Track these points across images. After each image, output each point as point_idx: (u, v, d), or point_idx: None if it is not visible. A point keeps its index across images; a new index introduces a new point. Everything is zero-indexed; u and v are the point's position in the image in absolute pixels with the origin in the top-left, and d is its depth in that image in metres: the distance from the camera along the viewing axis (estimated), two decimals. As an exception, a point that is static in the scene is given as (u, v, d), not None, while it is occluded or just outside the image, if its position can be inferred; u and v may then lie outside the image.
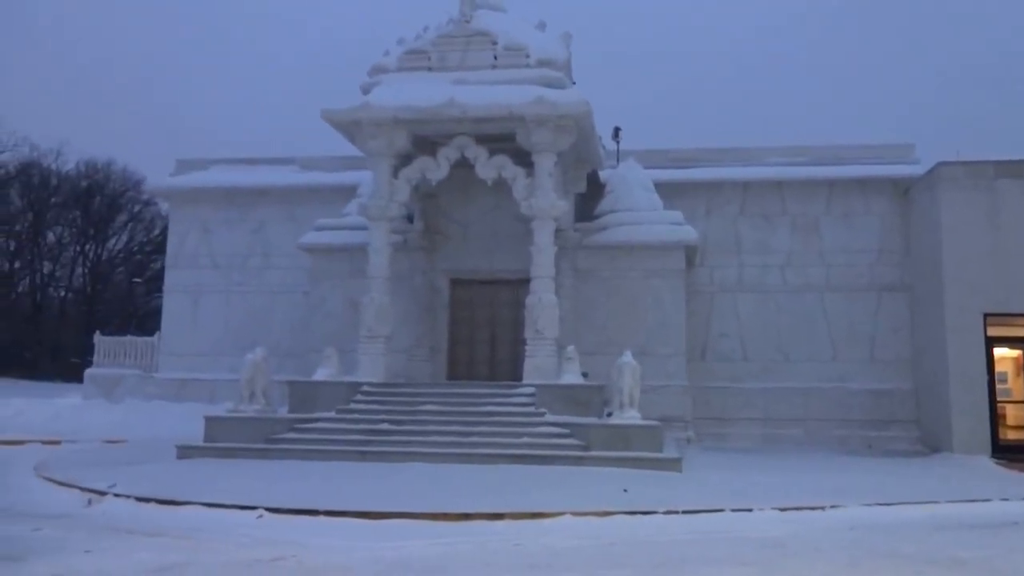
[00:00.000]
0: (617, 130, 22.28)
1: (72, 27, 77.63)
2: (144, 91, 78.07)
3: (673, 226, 19.40)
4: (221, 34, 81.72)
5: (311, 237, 20.62)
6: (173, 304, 23.92)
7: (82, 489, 10.88)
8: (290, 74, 76.56)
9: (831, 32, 75.53)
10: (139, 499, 10.18)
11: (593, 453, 13.75)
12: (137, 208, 52.84)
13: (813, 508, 10.48)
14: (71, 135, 67.07)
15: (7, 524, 9.00)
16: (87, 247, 51.76)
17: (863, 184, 21.17)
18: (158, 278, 53.21)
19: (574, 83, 18.00)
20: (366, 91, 17.14)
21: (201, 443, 14.74)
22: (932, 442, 18.87)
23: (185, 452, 14.36)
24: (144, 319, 49.99)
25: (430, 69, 17.28)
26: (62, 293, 51.72)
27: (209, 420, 15.11)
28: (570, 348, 15.86)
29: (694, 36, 75.55)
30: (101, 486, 10.77)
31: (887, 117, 58.42)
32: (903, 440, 19.74)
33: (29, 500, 10.59)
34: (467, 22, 17.40)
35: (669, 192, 20.92)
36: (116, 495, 10.41)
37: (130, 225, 53.25)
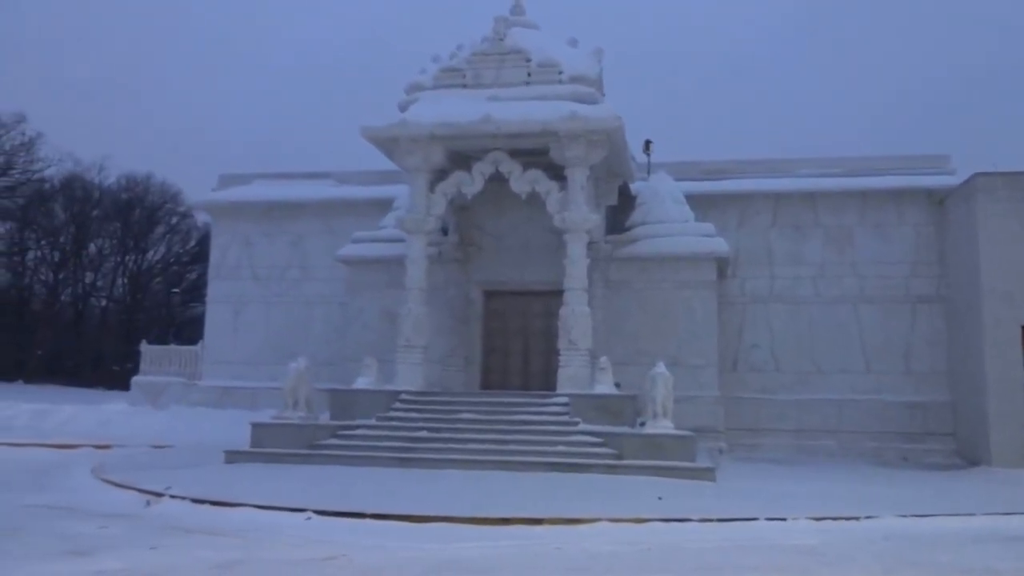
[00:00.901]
0: (648, 143, 22.63)
1: (114, 47, 79.55)
2: (184, 107, 79.84)
3: (704, 238, 19.69)
4: (256, 53, 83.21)
5: (348, 249, 21.21)
6: (216, 314, 24.70)
7: (139, 491, 11.45)
8: (325, 88, 77.98)
9: (834, 33, 75.34)
10: (194, 500, 10.71)
11: (627, 462, 14.07)
12: (175, 220, 54.11)
13: (848, 518, 10.60)
14: (113, 149, 68.90)
15: (76, 522, 9.57)
16: (127, 258, 53.03)
17: (897, 195, 21.31)
18: (194, 288, 54.65)
19: (604, 97, 18.43)
20: (403, 108, 17.67)
21: (247, 448, 15.31)
22: (969, 455, 18.90)
23: (233, 457, 14.94)
24: (181, 327, 51.17)
25: (465, 86, 17.79)
26: (103, 303, 53.00)
27: (255, 426, 15.68)
28: (603, 359, 16.22)
29: (693, 36, 75.61)
30: (158, 488, 11.33)
31: (910, 126, 58.01)
32: (939, 453, 19.76)
33: (92, 500, 11.17)
34: (501, 40, 17.89)
35: (700, 204, 21.25)
36: (172, 496, 10.95)
37: (168, 237, 54.51)
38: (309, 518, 9.96)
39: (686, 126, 63.12)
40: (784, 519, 10.45)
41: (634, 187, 21.02)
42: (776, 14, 73.01)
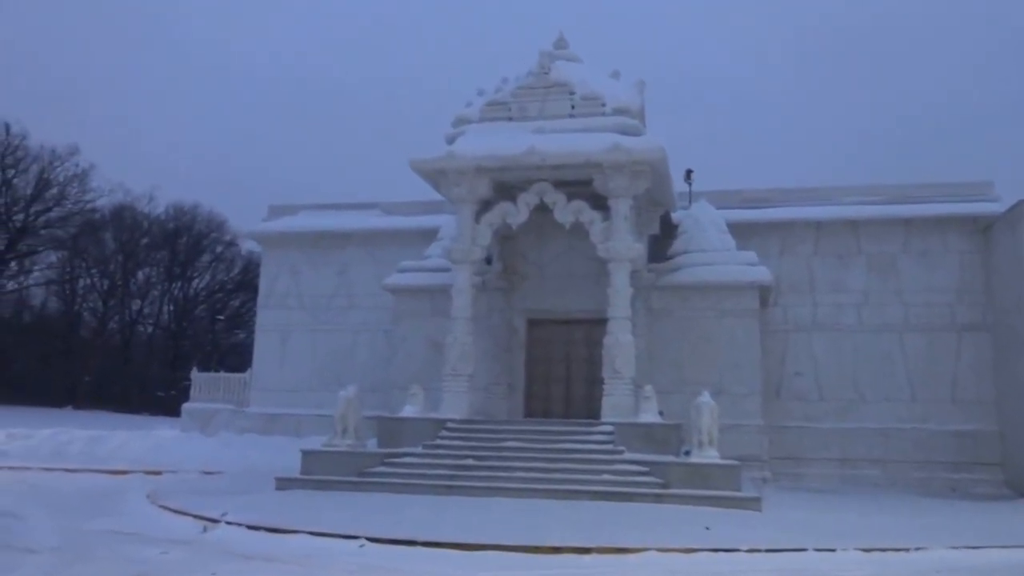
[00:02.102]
0: (689, 172, 22.77)
1: (166, 83, 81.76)
2: (232, 139, 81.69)
3: (746, 266, 19.72)
4: (304, 91, 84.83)
5: (395, 278, 21.53)
6: (264, 342, 25.20)
7: (196, 516, 11.74)
8: (369, 123, 79.31)
9: (865, 55, 74.97)
10: (250, 527, 10.95)
11: (672, 491, 14.09)
12: (220, 248, 55.22)
13: (897, 549, 10.50)
14: (162, 180, 70.72)
15: (140, 547, 9.86)
16: (173, 286, 54.14)
17: (941, 222, 21.18)
18: (237, 315, 55.66)
19: (647, 128, 18.64)
20: (450, 141, 18.04)
21: (298, 475, 15.59)
22: (1019, 485, 18.59)
23: (283, 483, 15.22)
24: (225, 354, 52.02)
25: (510, 119, 18.12)
26: (149, 330, 54.08)
27: (306, 454, 15.97)
28: (648, 387, 16.29)
29: (723, 62, 75.62)
30: (213, 514, 11.61)
31: (945, 152, 57.43)
32: (988, 483, 19.43)
33: (150, 526, 11.47)
34: (546, 74, 18.22)
35: (742, 232, 21.29)
36: (228, 523, 11.21)
37: (213, 265, 55.60)
38: (363, 545, 10.15)
39: (723, 152, 63.22)
40: (833, 550, 10.40)
41: (676, 216, 21.16)
42: (808, 39, 73.05)
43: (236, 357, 47.30)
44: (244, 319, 52.63)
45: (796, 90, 74.47)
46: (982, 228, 20.93)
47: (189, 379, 26.91)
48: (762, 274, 19.54)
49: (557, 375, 19.74)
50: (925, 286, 21.04)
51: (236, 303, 55.43)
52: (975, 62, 68.89)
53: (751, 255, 20.09)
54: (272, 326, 25.09)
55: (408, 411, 16.95)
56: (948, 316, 20.79)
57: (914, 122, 66.12)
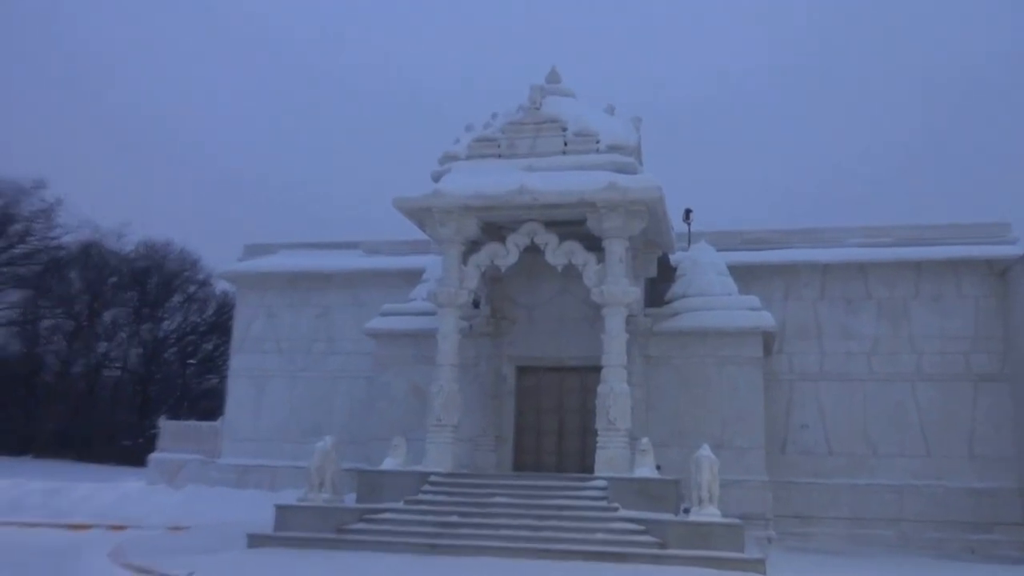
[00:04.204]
0: (688, 212, 23.10)
1: (138, 110, 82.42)
2: (207, 174, 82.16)
3: (749, 311, 19.91)
4: (284, 123, 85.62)
5: (377, 322, 21.68)
6: (238, 389, 25.23)
7: (161, 577, 11.74)
8: (352, 157, 79.90)
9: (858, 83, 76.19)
10: (218, 589, 10.96)
11: (670, 552, 14.09)
12: (192, 289, 55.23)
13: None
14: (133, 216, 71.06)
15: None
16: (142, 327, 54.05)
17: (955, 266, 21.49)
18: (210, 359, 55.55)
19: (643, 165, 18.94)
20: (436, 178, 18.31)
21: (271, 532, 15.55)
22: (1040, 546, 18.62)
23: (256, 541, 15.18)
24: (196, 401, 51.79)
25: (500, 156, 18.41)
26: (116, 374, 53.86)
27: (280, 509, 15.94)
28: (644, 440, 16.35)
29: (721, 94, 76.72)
30: (180, 574, 11.60)
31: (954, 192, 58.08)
32: (1009, 545, 19.48)
33: (112, 587, 11.46)
34: (537, 109, 18.55)
35: (744, 275, 21.57)
36: (195, 584, 11.21)
37: (184, 306, 55.57)
38: (338, 608, 10.15)
39: (723, 190, 63.86)
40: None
41: (674, 258, 21.40)
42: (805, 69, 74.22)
43: (208, 404, 47.07)
44: (217, 364, 52.46)
45: (801, 124, 75.53)
46: (999, 272, 21.22)
47: (157, 427, 26.80)
48: (765, 320, 19.72)
49: (548, 426, 19.79)
50: (939, 333, 21.26)
51: (209, 346, 55.29)
52: (984, 95, 70.01)
53: (754, 300, 20.29)
54: (246, 371, 25.14)
55: (389, 464, 16.96)
56: (963, 365, 20.98)
57: (924, 158, 67.02)
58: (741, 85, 75.63)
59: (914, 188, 59.01)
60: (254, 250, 26.83)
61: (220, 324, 51.13)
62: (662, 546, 14.27)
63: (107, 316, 53.27)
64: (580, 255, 17.47)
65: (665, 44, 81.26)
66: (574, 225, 17.68)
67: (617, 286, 17.06)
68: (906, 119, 67.59)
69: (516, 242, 17.79)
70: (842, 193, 61.52)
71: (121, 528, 17.97)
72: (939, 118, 67.12)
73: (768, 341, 20.15)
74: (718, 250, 21.58)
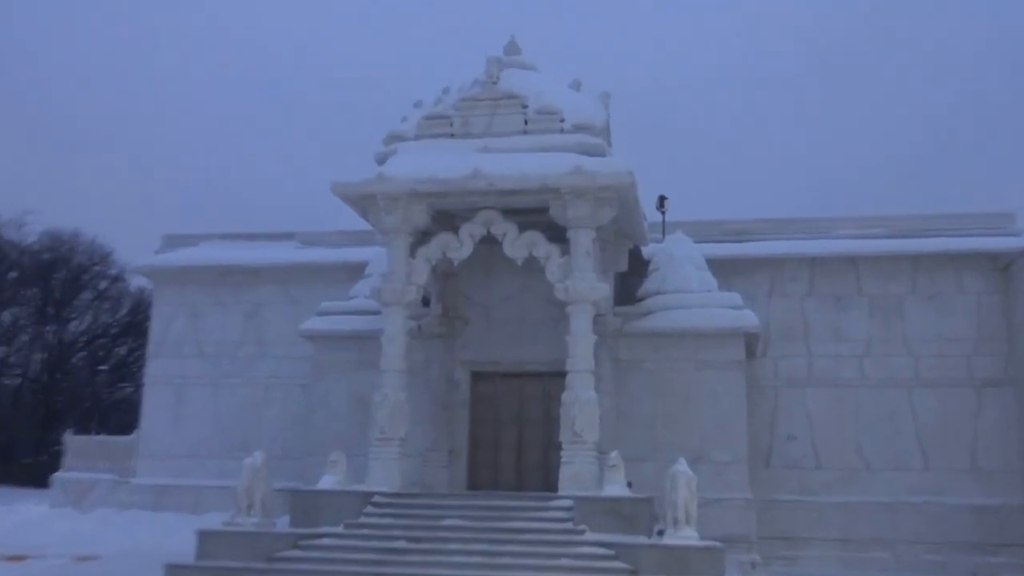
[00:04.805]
0: (662, 199, 23.21)
1: (44, 83, 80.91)
2: (122, 156, 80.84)
3: (730, 310, 20.07)
4: (213, 94, 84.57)
5: (313, 323, 21.52)
6: (154, 398, 24.93)
7: (63, 615, 11.51)
8: (292, 136, 79.11)
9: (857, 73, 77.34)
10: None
11: (642, 578, 14.16)
12: (103, 285, 54.37)
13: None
14: (36, 203, 69.54)
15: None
16: (46, 329, 53.11)
17: (954, 259, 21.85)
18: (123, 365, 54.75)
19: (612, 148, 18.98)
20: (381, 161, 18.20)
21: (192, 561, 15.40)
22: (1048, 569, 18.97)
23: (175, 572, 15.03)
24: (108, 413, 51.03)
25: (452, 136, 18.35)
26: (16, 382, 52.87)
27: (203, 535, 15.77)
28: (613, 454, 16.40)
29: (702, 76, 77.39)
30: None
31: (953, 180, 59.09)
32: (1015, 568, 19.77)
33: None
34: (494, 83, 18.50)
35: (724, 270, 21.73)
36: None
37: (95, 304, 54.70)
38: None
39: (702, 177, 64.27)
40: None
41: (647, 250, 21.51)
42: (800, 51, 75.03)
43: (121, 416, 46.40)
44: (132, 370, 51.69)
45: (785, 105, 76.23)
46: (1002, 266, 21.62)
47: (62, 443, 26.36)
48: (748, 319, 19.90)
49: (507, 439, 19.79)
50: (937, 334, 21.60)
51: (122, 351, 54.50)
52: (988, 74, 71.29)
53: (735, 297, 20.46)
54: (165, 379, 24.83)
55: (327, 482, 16.84)
56: (964, 369, 21.35)
57: (920, 142, 67.97)
58: (724, 66, 76.21)
59: (915, 178, 59.88)
60: (174, 241, 26.48)
61: (135, 325, 50.40)
62: (634, 573, 14.34)
63: (5, 316, 52.23)
64: (542, 247, 17.47)
65: (638, 20, 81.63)
66: (536, 213, 17.68)
67: (584, 281, 17.08)
68: (907, 105, 68.68)
69: (470, 232, 17.74)
70: (836, 184, 62.25)
71: (20, 559, 17.64)
72: (942, 103, 68.25)
73: (751, 343, 20.33)
74: (696, 242, 21.71)
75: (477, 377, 20.22)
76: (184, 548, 16.00)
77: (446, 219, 18.44)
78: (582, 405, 16.62)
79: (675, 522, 14.91)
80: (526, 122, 18.22)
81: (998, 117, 65.61)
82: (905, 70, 71.35)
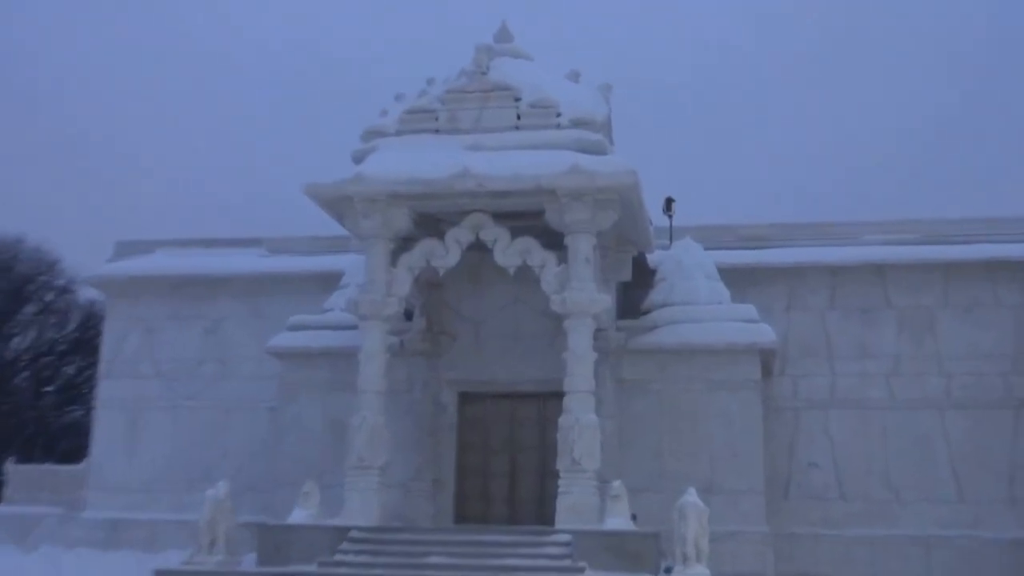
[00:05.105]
0: (669, 201, 23.23)
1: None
2: (70, 152, 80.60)
3: (744, 324, 20.11)
4: (176, 83, 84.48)
5: (282, 338, 21.49)
6: (107, 423, 24.84)
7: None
8: (260, 133, 78.92)
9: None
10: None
11: (648, 621, 14.17)
12: (49, 297, 54.19)
13: None
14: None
15: None
16: (-15, 346, 52.95)
17: (990, 268, 21.96)
18: (72, 386, 54.54)
19: (614, 145, 19.03)
20: (358, 160, 18.21)
21: (148, 606, 15.30)
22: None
23: (127, 617, 14.94)
24: (54, 439, 50.80)
25: (438, 131, 18.36)
26: (-49, 405, 52.69)
27: (160, 575, 15.63)
28: (616, 484, 16.39)
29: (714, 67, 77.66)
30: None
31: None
32: (1055, 607, 19.89)
33: None
34: (484, 74, 18.54)
35: (738, 279, 21.80)
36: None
37: (40, 318, 54.52)
38: None
39: (712, 176, 64.32)
40: None
41: (652, 258, 21.55)
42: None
43: (69, 443, 46.21)
44: (81, 391, 51.54)
45: (803, 97, 76.53)
46: (1045, 276, 21.73)
47: (3, 473, 26.33)
48: (764, 334, 19.93)
49: (498, 467, 19.79)
50: (971, 350, 21.68)
51: (70, 370, 54.33)
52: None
53: (750, 309, 20.50)
54: (118, 401, 24.75)
55: (299, 516, 16.79)
56: (1001, 388, 21.43)
57: (950, 140, 68.26)
58: (732, 58, 76.52)
59: (941, 176, 60.12)
60: (127, 248, 26.44)
61: (85, 342, 50.25)
62: (638, 614, 14.32)
63: (-61, 332, 52.09)
64: (537, 254, 17.47)
65: (641, 9, 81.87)
66: (530, 217, 17.70)
67: (583, 292, 17.08)
68: (928, 95, 68.96)
69: (458, 238, 17.74)
70: (856, 184, 62.40)
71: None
72: (964, 93, 68.59)
73: (767, 360, 20.36)
74: (706, 248, 21.76)
75: (465, 398, 20.21)
76: (139, 590, 15.95)
77: (431, 223, 18.44)
78: (581, 429, 16.60)
79: (684, 558, 14.94)
80: (519, 116, 18.25)
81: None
82: (912, 59, 71.68)
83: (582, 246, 17.30)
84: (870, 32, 74.76)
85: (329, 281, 22.91)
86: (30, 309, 54.21)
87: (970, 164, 63.67)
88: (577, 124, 18.05)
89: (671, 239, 22.40)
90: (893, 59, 72.78)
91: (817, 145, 72.33)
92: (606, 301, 17.71)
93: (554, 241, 17.58)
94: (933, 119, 65.47)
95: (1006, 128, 66.00)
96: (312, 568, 15.73)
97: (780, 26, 76.67)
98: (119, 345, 25.20)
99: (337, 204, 17.99)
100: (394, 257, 17.95)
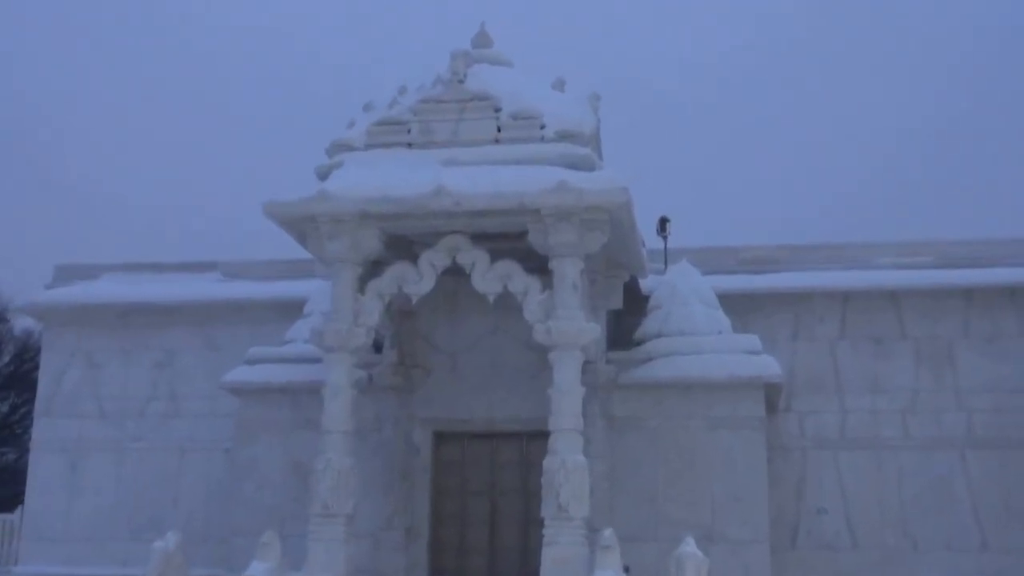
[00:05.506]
0: (664, 222, 23.33)
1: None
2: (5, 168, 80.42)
3: (747, 355, 20.11)
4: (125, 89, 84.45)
5: (239, 373, 21.37)
6: (43, 467, 24.57)
7: None
8: (220, 147, 78.91)
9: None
10: None
11: None
12: (-24, 326, 53.97)
13: None
14: None
15: None
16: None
17: (1015, 294, 22.07)
18: (5, 425, 54.18)
19: (603, 160, 19.05)
20: (323, 176, 18.15)
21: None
22: None
23: None
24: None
25: (410, 145, 18.33)
26: None
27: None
28: (607, 532, 16.28)
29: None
30: None
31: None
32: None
33: None
34: (460, 82, 18.53)
35: (740, 306, 21.85)
36: None
37: (-36, 351, 54.31)
38: None
39: (711, 194, 64.60)
40: None
41: (645, 284, 21.59)
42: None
43: (1, 489, 45.89)
44: (15, 431, 51.26)
45: (797, 107, 77.08)
46: (1074, 302, 21.86)
47: (-75, 522, 25.96)
48: (769, 367, 19.94)
49: (477, 514, 19.73)
50: (994, 383, 21.75)
51: (3, 408, 54.05)
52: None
53: (753, 339, 20.52)
54: (57, 443, 24.52)
55: (257, 570, 16.55)
56: (1028, 426, 21.45)
57: (961, 152, 68.85)
58: (729, 65, 77.03)
59: (954, 193, 60.51)
60: (68, 273, 26.23)
61: (20, 376, 50.00)
62: (632, 677, 14.24)
63: None
64: (519, 280, 17.41)
65: (629, 16, 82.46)
66: (511, 239, 17.67)
67: (569, 321, 17.01)
68: (939, 103, 69.56)
69: (432, 262, 17.67)
70: (866, 200, 62.75)
71: None
72: (976, 98, 69.19)
73: (772, 395, 20.37)
74: (704, 273, 21.81)
75: (440, 438, 20.16)
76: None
77: (403, 246, 18.42)
78: (568, 472, 16.46)
79: (683, 615, 14.87)
80: (499, 129, 18.22)
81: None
82: (922, 60, 72.37)
83: (569, 270, 17.21)
84: (877, 31, 75.60)
85: (291, 309, 22.84)
86: (-47, 341, 53.99)
87: (993, 173, 64.22)
88: (563, 137, 18.04)
89: (666, 263, 22.45)
90: (905, 58, 73.58)
91: (826, 155, 72.88)
92: (595, 331, 17.57)
93: (538, 265, 17.52)
94: (946, 121, 66.11)
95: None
96: (271, 628, 15.63)
97: (779, 25, 77.30)
98: (58, 380, 25.01)
99: (300, 224, 17.90)
100: (362, 283, 17.84)
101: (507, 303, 17.84)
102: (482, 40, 19.80)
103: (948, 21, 71.56)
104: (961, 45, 69.54)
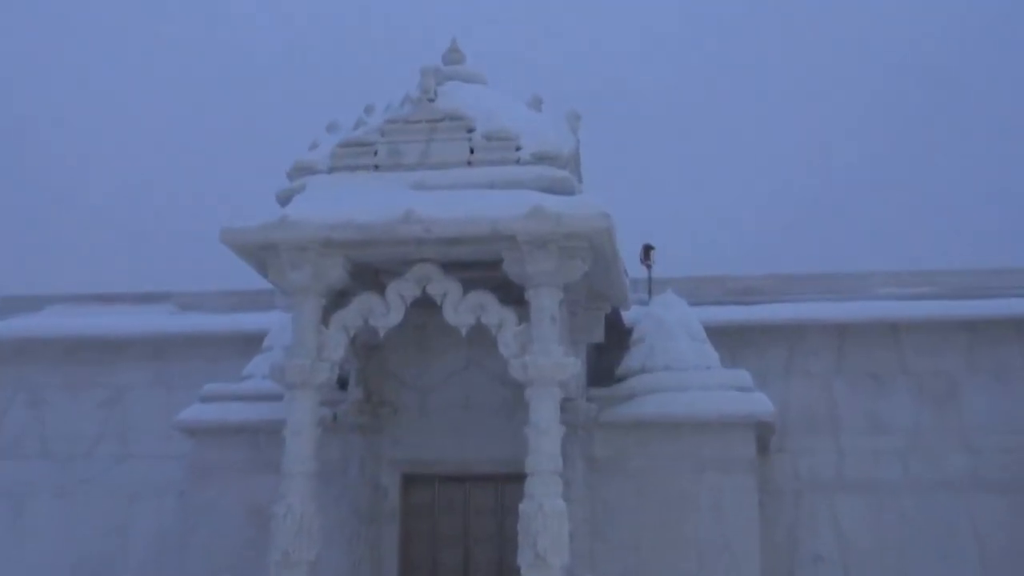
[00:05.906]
0: (648, 250, 23.44)
1: None
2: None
3: (738, 392, 20.32)
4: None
5: (194, 411, 21.49)
6: (-17, 513, 24.51)
7: None
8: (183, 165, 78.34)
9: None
10: None
11: None
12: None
13: None
14: None
15: None
16: None
17: (1022, 327, 22.33)
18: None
19: (583, 184, 19.25)
20: (285, 200, 18.27)
21: None
22: None
23: None
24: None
25: (377, 168, 18.45)
26: None
27: None
28: (588, 581, 16.48)
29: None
30: None
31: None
32: None
33: None
34: (430, 100, 18.65)
35: (729, 340, 22.14)
36: None
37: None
38: None
39: (697, 220, 64.43)
40: None
41: (628, 316, 21.79)
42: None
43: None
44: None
45: (790, 115, 77.18)
46: (1085, 336, 22.15)
47: None
48: (760, 404, 20.17)
49: (449, 563, 19.87)
50: (1001, 422, 21.99)
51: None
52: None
53: (743, 375, 20.73)
54: (-1, 486, 24.61)
55: (211, 623, 16.75)
56: (1037, 468, 21.69)
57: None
58: (723, 74, 77.23)
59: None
60: (10, 305, 26.34)
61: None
62: None
63: None
64: (494, 311, 17.53)
65: (605, 22, 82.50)
66: (485, 268, 17.85)
67: (547, 356, 17.08)
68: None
69: (401, 292, 17.76)
70: (862, 225, 62.87)
71: None
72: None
73: (764, 435, 20.59)
74: (691, 304, 22.01)
75: (409, 481, 20.32)
76: None
77: (369, 276, 18.60)
78: (546, 517, 16.47)
79: (666, 670, 15.03)
80: (472, 150, 18.34)
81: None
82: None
83: (546, 302, 17.30)
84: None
85: (249, 343, 23.01)
86: None
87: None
88: (540, 159, 18.13)
89: (650, 293, 22.66)
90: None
91: (820, 172, 73.02)
92: (575, 366, 17.62)
93: (514, 296, 17.73)
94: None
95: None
96: None
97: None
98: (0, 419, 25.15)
99: (259, 253, 17.96)
100: (326, 315, 17.94)
101: (481, 337, 17.98)
102: (453, 56, 19.99)
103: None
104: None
